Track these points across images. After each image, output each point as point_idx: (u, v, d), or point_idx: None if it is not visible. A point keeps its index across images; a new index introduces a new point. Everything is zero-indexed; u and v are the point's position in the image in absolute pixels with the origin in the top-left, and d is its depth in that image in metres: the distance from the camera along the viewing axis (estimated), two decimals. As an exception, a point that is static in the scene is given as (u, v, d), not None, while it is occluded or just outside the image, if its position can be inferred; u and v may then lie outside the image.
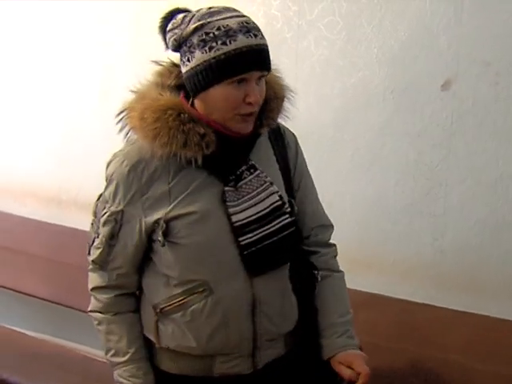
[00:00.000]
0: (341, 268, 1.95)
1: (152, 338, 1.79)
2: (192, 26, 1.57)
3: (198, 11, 1.62)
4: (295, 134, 1.89)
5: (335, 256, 1.94)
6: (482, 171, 2.38)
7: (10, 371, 2.83)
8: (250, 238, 1.66)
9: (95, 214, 1.78)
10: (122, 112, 1.69)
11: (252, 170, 1.69)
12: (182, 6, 1.68)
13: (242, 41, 1.54)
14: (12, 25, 3.69)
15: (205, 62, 1.56)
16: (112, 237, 1.72)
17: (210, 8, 1.61)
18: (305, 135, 1.96)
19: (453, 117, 2.40)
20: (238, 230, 1.65)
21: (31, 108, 3.66)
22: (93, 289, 1.81)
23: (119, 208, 1.70)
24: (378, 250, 2.62)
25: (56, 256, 3.36)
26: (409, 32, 2.44)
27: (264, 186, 1.69)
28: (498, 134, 2.33)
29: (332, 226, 1.95)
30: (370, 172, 2.60)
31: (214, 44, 1.55)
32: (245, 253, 1.66)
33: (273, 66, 1.67)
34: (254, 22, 1.61)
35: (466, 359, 2.27)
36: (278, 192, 1.70)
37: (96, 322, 1.81)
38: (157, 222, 1.67)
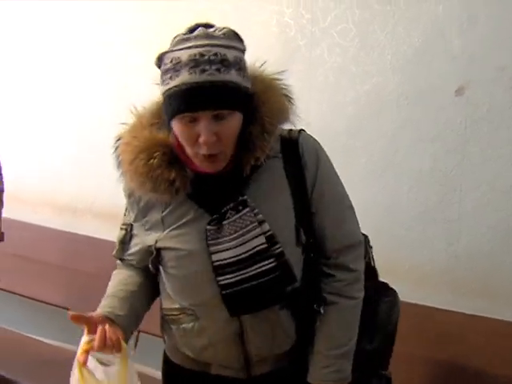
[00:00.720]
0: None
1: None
2: (157, 55, 1.52)
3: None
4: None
5: (355, 282, 1.75)
6: (497, 177, 2.37)
7: (23, 377, 2.84)
8: (229, 279, 1.59)
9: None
10: (117, 140, 1.67)
11: (240, 207, 1.58)
12: (202, 22, 1.57)
13: (184, 77, 1.44)
14: (14, 28, 3.71)
15: (162, 94, 1.52)
16: (124, 242, 1.78)
17: (190, 31, 1.51)
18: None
19: (467, 122, 2.40)
20: (217, 270, 1.60)
21: (46, 117, 3.68)
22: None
23: (130, 221, 1.75)
24: (392, 256, 2.61)
25: (71, 264, 3.38)
26: (422, 38, 2.45)
27: (249, 227, 1.58)
28: (513, 139, 2.33)
29: (361, 243, 1.80)
30: (383, 178, 2.60)
31: (164, 77, 1.49)
32: (223, 293, 1.60)
33: (281, 82, 1.60)
34: (216, 54, 1.46)
35: (481, 364, 2.27)
36: (266, 233, 1.58)
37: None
38: (150, 247, 1.69)
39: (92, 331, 1.58)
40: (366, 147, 2.62)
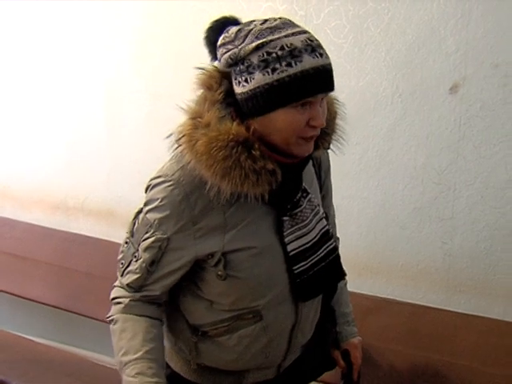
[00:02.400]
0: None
1: (187, 355, 1.76)
2: (252, 45, 1.44)
3: (250, 24, 1.50)
4: None
5: None
6: (491, 174, 2.37)
7: (16, 377, 2.81)
8: (304, 265, 1.63)
9: (132, 234, 1.65)
10: (180, 138, 1.52)
11: (305, 195, 1.62)
12: (229, 15, 1.58)
13: (308, 62, 1.42)
14: (15, 27, 3.68)
15: (267, 84, 1.43)
16: (153, 263, 1.60)
17: (265, 21, 1.49)
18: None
19: (461, 120, 2.39)
20: (292, 260, 1.62)
21: (37, 115, 3.65)
22: (114, 298, 1.69)
23: (166, 236, 1.58)
24: (387, 254, 2.61)
25: (63, 262, 3.35)
26: (416, 35, 2.43)
27: (315, 211, 1.64)
28: (507, 136, 2.32)
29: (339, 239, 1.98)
30: (377, 176, 2.60)
31: (277, 65, 1.42)
32: (297, 281, 1.63)
33: None
34: (316, 38, 1.49)
35: (476, 363, 2.27)
36: (324, 215, 1.67)
37: (112, 324, 1.66)
38: (211, 254, 1.58)
39: None
40: (361, 144, 2.61)
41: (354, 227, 2.62)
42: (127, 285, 1.65)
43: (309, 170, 1.70)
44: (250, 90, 1.46)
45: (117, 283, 1.71)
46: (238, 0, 2.81)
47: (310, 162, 1.71)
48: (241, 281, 1.60)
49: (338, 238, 1.94)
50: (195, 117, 1.51)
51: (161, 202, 1.56)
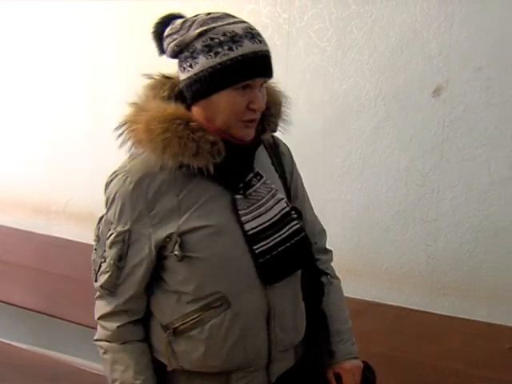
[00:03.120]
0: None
1: (165, 360, 1.72)
2: (196, 31, 1.53)
3: (196, 17, 1.58)
4: (285, 141, 1.86)
5: (331, 262, 1.94)
6: (474, 177, 2.38)
7: (-4, 383, 2.79)
8: (264, 245, 1.62)
9: (98, 239, 1.71)
10: (122, 125, 1.62)
11: (258, 177, 1.65)
12: (176, 12, 1.64)
13: (248, 46, 1.52)
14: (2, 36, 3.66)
15: (210, 67, 1.52)
16: (120, 258, 1.63)
17: (209, 14, 1.58)
18: (295, 142, 1.92)
19: (444, 122, 2.40)
20: (251, 239, 1.61)
21: (19, 117, 3.63)
22: (100, 317, 1.71)
23: (126, 227, 1.62)
24: (370, 256, 2.61)
25: (44, 266, 3.33)
26: (399, 38, 2.44)
27: (271, 193, 1.65)
28: (490, 139, 2.33)
29: (326, 232, 1.95)
30: (361, 178, 2.60)
31: (219, 49, 1.51)
32: (260, 261, 1.62)
33: None
34: (256, 28, 1.58)
35: (461, 365, 2.28)
36: (283, 198, 1.67)
37: (102, 351, 1.71)
38: (169, 236, 1.60)
39: None
40: (344, 147, 2.61)
41: (337, 230, 2.61)
42: (101, 287, 1.67)
43: (264, 162, 1.74)
44: (195, 74, 1.55)
45: (96, 294, 1.72)
46: (220, 3, 2.80)
47: (266, 156, 1.76)
48: (199, 261, 1.61)
49: (325, 231, 1.94)
50: (138, 107, 1.62)
51: (115, 195, 1.63)
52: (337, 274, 1.93)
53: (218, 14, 1.57)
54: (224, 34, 1.52)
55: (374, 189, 2.57)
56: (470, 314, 2.38)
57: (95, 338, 1.73)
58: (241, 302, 1.63)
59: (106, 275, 1.65)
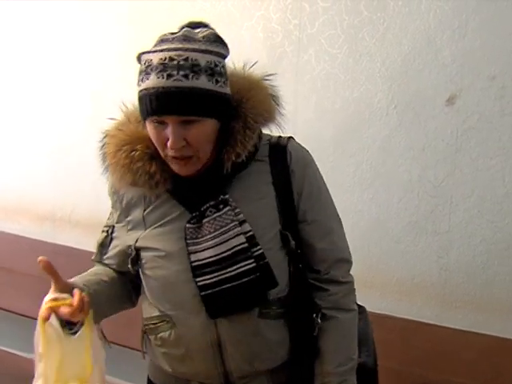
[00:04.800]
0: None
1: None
2: (136, 55, 1.54)
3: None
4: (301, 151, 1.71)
5: (349, 293, 1.74)
6: (488, 188, 2.33)
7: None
8: (207, 279, 1.56)
9: None
10: (104, 137, 1.65)
11: (221, 206, 1.57)
12: (197, 19, 1.60)
13: (151, 81, 1.45)
14: (5, 39, 3.64)
15: (137, 95, 1.52)
16: (103, 245, 1.76)
17: (172, 33, 1.52)
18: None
19: (457, 132, 2.36)
20: (195, 270, 1.57)
21: (24, 125, 3.60)
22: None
23: (112, 223, 1.74)
24: (381, 268, 2.57)
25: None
26: (412, 45, 2.41)
27: (230, 226, 1.56)
28: (504, 149, 2.29)
29: (350, 262, 1.76)
30: (372, 188, 2.55)
31: (138, 78, 1.50)
32: (202, 294, 1.57)
33: (270, 82, 1.61)
34: (187, 59, 1.45)
35: (474, 381, 2.23)
36: (247, 233, 1.56)
37: None
38: (129, 246, 1.67)
39: (59, 289, 1.55)
40: (355, 156, 2.57)
41: (347, 240, 2.56)
42: (92, 260, 1.80)
43: (254, 183, 1.63)
44: None
45: None
46: (230, 9, 2.77)
47: (264, 175, 1.63)
48: (149, 278, 1.66)
49: (348, 261, 1.76)
50: (127, 116, 1.65)
51: (109, 192, 1.75)
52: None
53: (169, 36, 1.50)
54: (145, 63, 1.49)
55: (386, 199, 2.53)
56: (484, 328, 2.33)
57: None
58: (185, 326, 1.62)
59: (95, 252, 1.78)
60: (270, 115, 1.61)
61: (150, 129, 1.51)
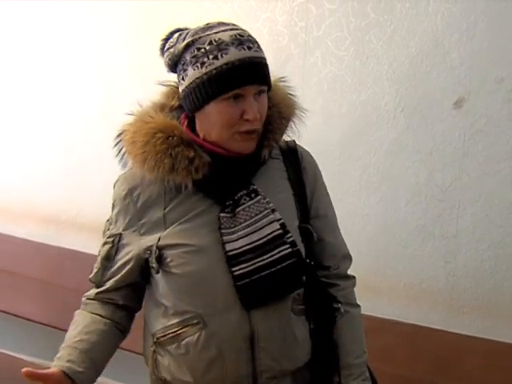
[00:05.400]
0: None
1: (149, 367, 1.71)
2: (183, 43, 1.52)
3: (192, 29, 1.57)
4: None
5: (353, 288, 1.81)
6: (496, 192, 2.31)
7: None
8: (244, 268, 1.55)
9: (103, 234, 1.75)
10: (119, 135, 1.64)
11: (253, 195, 1.58)
12: (182, 26, 1.62)
13: (233, 54, 1.47)
14: (5, 32, 3.63)
15: (197, 78, 1.50)
16: (108, 258, 1.68)
17: (206, 24, 1.55)
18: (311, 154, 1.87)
19: (465, 135, 2.34)
20: (231, 260, 1.55)
21: (30, 127, 3.60)
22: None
23: (118, 231, 1.67)
24: (388, 273, 2.55)
25: (54, 279, 3.29)
26: (420, 48, 2.39)
27: (264, 213, 1.58)
28: (513, 153, 2.27)
29: (351, 258, 1.83)
30: (379, 192, 2.53)
31: (205, 59, 1.48)
32: (238, 284, 1.55)
33: (285, 84, 1.65)
34: (250, 35, 1.54)
35: (481, 387, 2.20)
36: (279, 220, 1.58)
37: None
38: (149, 248, 1.61)
39: None
40: (362, 160, 2.55)
41: (353, 245, 2.50)
42: (90, 280, 1.73)
43: (274, 177, 1.67)
44: (186, 87, 1.54)
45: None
46: (236, 11, 2.76)
47: (281, 171, 1.68)
48: (176, 277, 1.60)
49: (350, 257, 1.83)
50: (141, 117, 1.62)
51: (114, 199, 1.69)
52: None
53: (212, 24, 1.55)
54: (210, 43, 1.49)
55: (393, 203, 2.50)
56: (492, 333, 2.30)
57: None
58: (217, 324, 1.58)
59: (95, 270, 1.71)
60: (295, 109, 1.66)
61: (220, 107, 1.51)
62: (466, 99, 2.33)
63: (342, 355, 1.70)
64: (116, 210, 1.68)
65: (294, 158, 1.71)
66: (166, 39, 1.61)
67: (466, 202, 2.36)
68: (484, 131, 2.31)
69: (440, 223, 2.41)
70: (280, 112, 1.63)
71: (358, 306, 1.79)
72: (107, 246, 1.68)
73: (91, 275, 1.72)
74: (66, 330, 3.12)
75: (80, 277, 3.19)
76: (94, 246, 3.22)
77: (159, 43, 1.63)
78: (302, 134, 1.71)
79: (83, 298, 1.76)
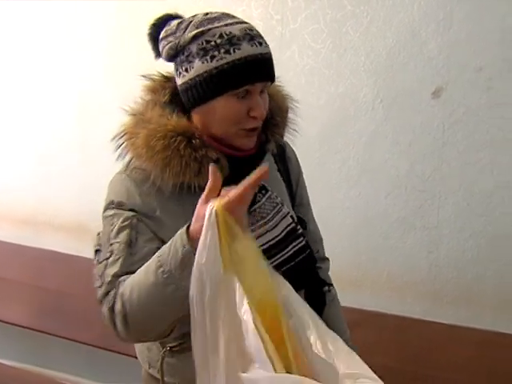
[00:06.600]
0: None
1: (158, 375, 1.63)
2: (191, 34, 1.47)
3: (193, 17, 1.52)
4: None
5: (329, 270, 1.88)
6: (477, 181, 2.31)
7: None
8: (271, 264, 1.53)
9: (99, 243, 1.55)
10: (121, 136, 1.54)
11: (263, 192, 1.57)
12: (172, 12, 1.58)
13: (246, 49, 1.44)
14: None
15: (205, 72, 1.45)
16: (130, 243, 1.49)
17: (206, 14, 1.51)
18: (291, 148, 1.87)
19: (444, 125, 2.34)
20: None
21: (6, 128, 3.55)
22: (101, 300, 1.50)
23: (132, 213, 1.51)
24: (370, 265, 2.54)
25: (32, 280, 3.25)
26: (397, 39, 2.38)
27: (277, 209, 1.58)
28: (492, 142, 2.27)
29: (322, 239, 1.89)
30: (359, 185, 2.53)
31: (215, 53, 1.44)
32: None
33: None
34: (256, 29, 1.52)
35: (467, 376, 2.22)
36: (289, 213, 1.60)
37: (120, 307, 1.43)
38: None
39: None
40: (341, 152, 2.54)
41: (335, 238, 2.53)
42: (113, 276, 1.47)
43: (271, 171, 1.60)
44: (190, 79, 1.48)
45: (99, 297, 1.52)
46: (212, 5, 2.72)
47: (273, 164, 1.68)
48: None
49: (327, 259, 1.87)
50: (137, 114, 1.55)
51: (116, 188, 1.56)
52: (334, 283, 1.86)
53: (215, 15, 1.51)
54: (221, 36, 1.45)
55: (373, 195, 2.50)
56: (475, 322, 2.31)
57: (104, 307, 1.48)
58: None
59: (118, 262, 1.48)
60: (289, 101, 1.67)
61: (228, 103, 1.46)
62: (444, 89, 2.32)
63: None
64: (121, 194, 1.54)
65: (280, 149, 1.72)
66: (159, 26, 1.56)
67: (446, 192, 2.36)
68: (463, 121, 2.31)
69: (421, 214, 2.41)
70: (279, 105, 1.63)
71: (333, 285, 1.85)
72: (125, 230, 1.50)
73: (112, 271, 1.47)
74: (46, 333, 3.12)
75: (60, 278, 3.18)
76: (72, 246, 3.22)
77: (148, 28, 1.58)
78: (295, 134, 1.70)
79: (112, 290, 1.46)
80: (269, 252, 1.53)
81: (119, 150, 1.55)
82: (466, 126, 2.30)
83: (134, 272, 1.44)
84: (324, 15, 2.50)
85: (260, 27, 2.57)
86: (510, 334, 2.24)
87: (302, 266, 1.59)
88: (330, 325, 1.71)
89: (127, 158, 1.55)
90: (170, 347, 1.60)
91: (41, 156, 3.42)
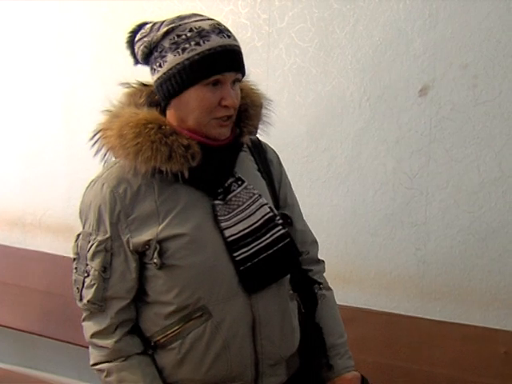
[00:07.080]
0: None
1: None
2: (162, 30, 1.52)
3: (166, 19, 1.57)
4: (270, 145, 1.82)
5: (324, 272, 1.88)
6: (464, 178, 2.33)
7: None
8: (245, 252, 1.57)
9: (78, 255, 1.62)
10: (96, 133, 1.61)
11: (240, 182, 1.62)
12: (149, 19, 1.61)
13: (215, 41, 1.50)
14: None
15: (178, 64, 1.51)
16: (105, 269, 1.57)
17: (179, 15, 1.57)
18: (278, 146, 1.86)
19: (431, 122, 2.35)
20: (231, 245, 1.57)
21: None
22: (92, 335, 1.62)
23: (106, 235, 1.57)
24: (358, 262, 2.55)
25: (20, 281, 3.23)
26: (383, 37, 2.39)
27: (253, 198, 1.61)
28: (479, 138, 2.29)
29: (318, 243, 1.89)
30: (347, 182, 2.54)
31: (186, 45, 1.50)
32: (241, 268, 1.57)
33: (246, 76, 1.63)
34: (224, 25, 1.57)
35: (455, 371, 2.24)
36: (267, 204, 1.63)
37: (104, 375, 1.61)
38: (147, 243, 1.56)
39: None
40: (329, 150, 2.55)
41: (323, 236, 2.53)
42: (88, 302, 1.59)
43: (248, 167, 1.71)
44: (164, 73, 1.53)
45: (83, 315, 1.65)
46: (198, 4, 2.74)
47: (251, 162, 1.73)
48: (179, 269, 1.57)
49: (316, 242, 1.88)
50: (111, 114, 1.61)
51: (91, 204, 1.60)
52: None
53: (186, 14, 1.57)
54: (191, 30, 1.51)
55: (361, 192, 2.51)
56: (463, 318, 2.33)
57: (92, 362, 1.64)
58: (222, 312, 1.58)
59: (93, 288, 1.58)
60: (263, 99, 1.70)
61: (201, 93, 1.51)
62: (430, 86, 2.34)
63: (326, 336, 1.77)
64: (95, 216, 1.58)
65: (260, 151, 1.76)
66: (135, 32, 1.61)
67: (434, 189, 2.38)
68: (450, 118, 2.32)
69: (409, 211, 2.42)
70: (252, 100, 1.66)
71: (331, 289, 1.87)
72: (100, 256, 1.57)
73: (88, 297, 1.59)
74: (35, 334, 3.11)
75: (48, 278, 3.17)
76: (60, 247, 3.21)
77: (126, 36, 1.62)
78: (269, 126, 1.71)
79: (108, 343, 1.61)
80: (246, 239, 1.58)
81: (95, 145, 1.61)
82: (452, 123, 2.32)
83: (110, 297, 1.59)
84: (311, 14, 2.51)
85: (247, 26, 2.64)
86: (498, 329, 2.26)
87: (282, 254, 1.61)
88: (324, 327, 1.77)
89: (103, 151, 1.60)
90: (155, 342, 1.63)
91: (27, 156, 3.41)
